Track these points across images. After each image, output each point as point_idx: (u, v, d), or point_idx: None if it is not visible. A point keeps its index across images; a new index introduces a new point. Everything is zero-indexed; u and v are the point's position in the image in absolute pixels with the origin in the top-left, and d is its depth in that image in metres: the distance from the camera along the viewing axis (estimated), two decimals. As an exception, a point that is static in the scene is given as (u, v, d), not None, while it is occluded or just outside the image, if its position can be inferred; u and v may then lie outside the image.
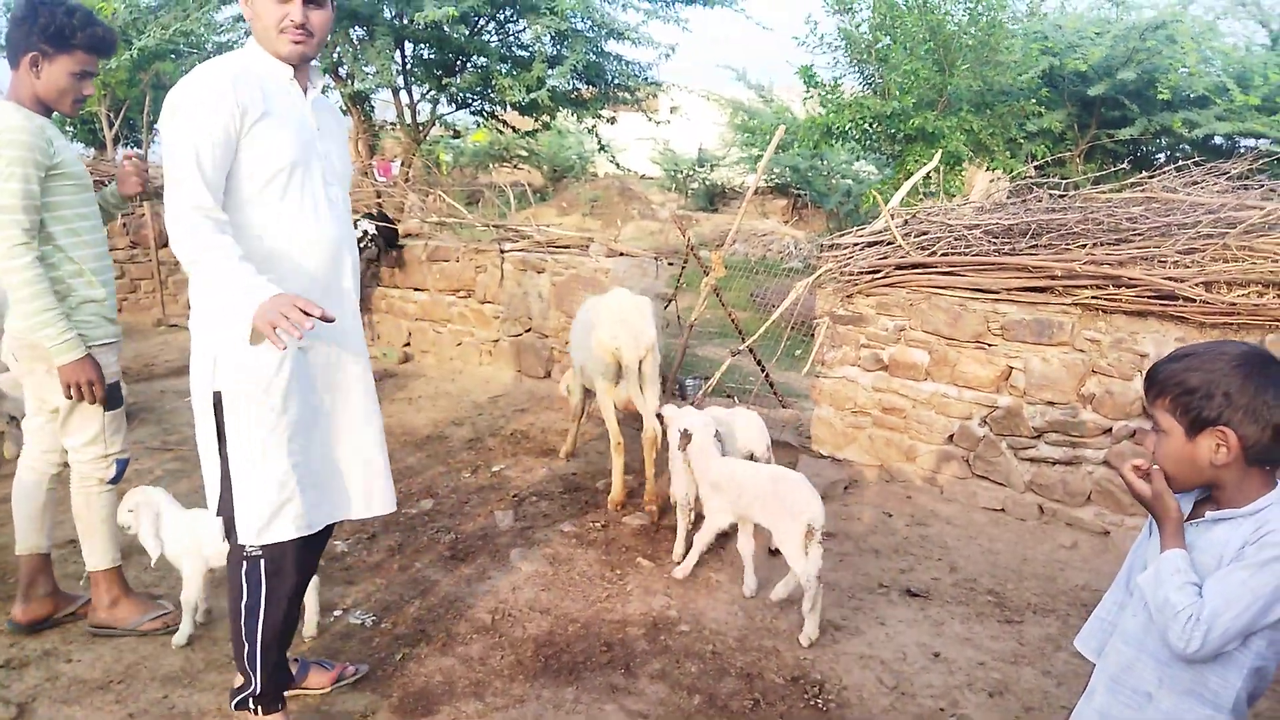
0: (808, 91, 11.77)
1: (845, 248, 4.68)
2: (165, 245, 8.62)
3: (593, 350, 4.09)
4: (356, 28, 7.83)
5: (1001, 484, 4.16)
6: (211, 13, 7.34)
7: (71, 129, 11.56)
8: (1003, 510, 4.15)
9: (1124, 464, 1.58)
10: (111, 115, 10.55)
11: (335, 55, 8.00)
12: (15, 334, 2.70)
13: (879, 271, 4.42)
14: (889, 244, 4.56)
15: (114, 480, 2.88)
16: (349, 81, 8.23)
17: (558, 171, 22.47)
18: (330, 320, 1.94)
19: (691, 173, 22.33)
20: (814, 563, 2.99)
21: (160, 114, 2.05)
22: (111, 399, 2.79)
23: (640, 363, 3.99)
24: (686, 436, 3.46)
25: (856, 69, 11.76)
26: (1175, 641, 1.43)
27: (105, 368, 2.75)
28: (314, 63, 2.30)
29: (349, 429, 2.38)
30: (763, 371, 5.72)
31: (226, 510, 2.21)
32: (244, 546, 2.22)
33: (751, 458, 3.79)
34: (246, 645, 2.28)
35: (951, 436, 4.30)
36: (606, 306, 4.11)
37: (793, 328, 5.15)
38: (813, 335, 5.30)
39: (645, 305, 4.08)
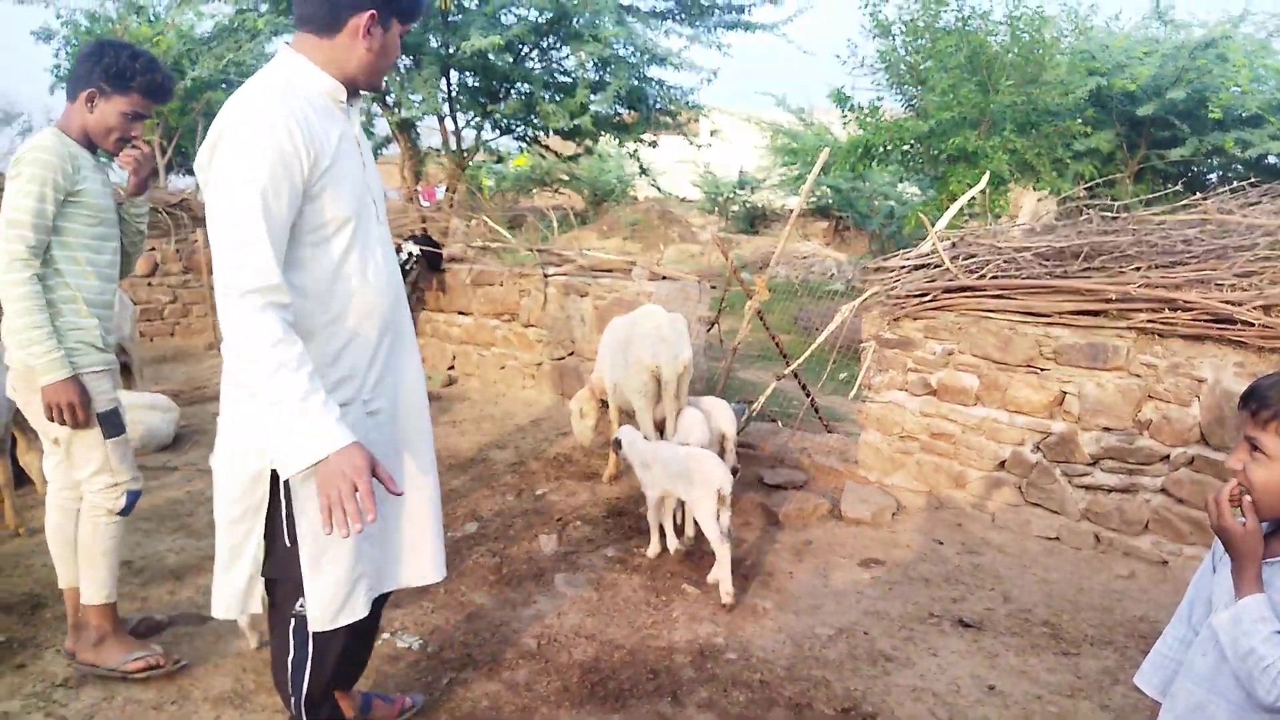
0: (844, 114, 11.77)
1: (891, 271, 4.64)
2: (217, 270, 8.85)
3: (631, 368, 4.11)
4: (403, 57, 7.98)
5: (1056, 512, 4.07)
6: (264, 43, 7.52)
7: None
8: (1057, 539, 4.05)
9: (1218, 493, 1.50)
10: (164, 143, 10.87)
11: (383, 84, 8.15)
12: (14, 364, 2.67)
13: (926, 295, 4.37)
14: (936, 267, 4.52)
15: (124, 511, 2.83)
16: (396, 110, 8.38)
17: (598, 195, 22.62)
18: (399, 494, 1.89)
19: (732, 195, 22.35)
20: (724, 523, 3.47)
21: (205, 149, 1.85)
22: (112, 425, 2.75)
23: (678, 379, 4.05)
24: (616, 444, 4.02)
25: (897, 90, 11.74)
26: (1264, 696, 1.36)
27: (100, 394, 2.73)
28: None
29: (409, 485, 2.22)
30: (807, 395, 5.67)
31: (282, 575, 2.07)
32: (294, 605, 2.10)
33: (723, 439, 4.39)
34: (293, 697, 2.18)
35: (1003, 463, 4.22)
36: (642, 324, 4.14)
37: (837, 351, 5.11)
38: (858, 359, 5.26)
39: (680, 322, 4.15)
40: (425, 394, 2.30)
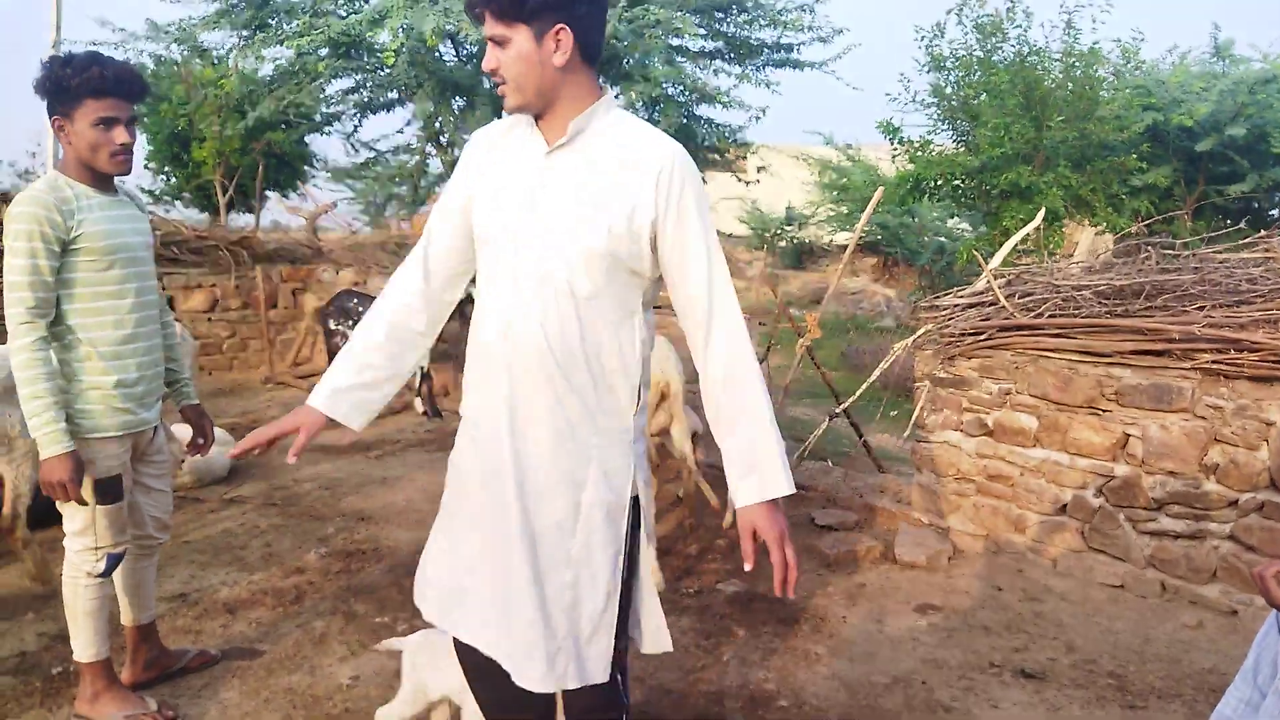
0: (894, 147, 11.73)
1: (945, 308, 4.57)
2: (274, 306, 9.05)
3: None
4: (457, 98, 8.15)
5: (1120, 558, 3.94)
6: (323, 85, 7.74)
7: (188, 195, 12.24)
8: (1122, 586, 3.92)
9: (1263, 569, 1.44)
10: (225, 182, 11.20)
11: (437, 124, 8.33)
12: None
13: (982, 333, 4.30)
14: (991, 305, 4.44)
15: (104, 574, 2.70)
16: (449, 149, 8.55)
17: (646, 231, 22.72)
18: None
19: (779, 231, 22.34)
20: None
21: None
22: (110, 493, 2.62)
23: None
24: None
25: (949, 125, 11.68)
26: None
27: (105, 458, 2.61)
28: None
29: None
30: (858, 434, 5.59)
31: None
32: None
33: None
34: None
35: (1064, 507, 4.10)
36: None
37: (890, 390, 5.04)
38: (909, 397, 5.17)
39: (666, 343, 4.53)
40: None
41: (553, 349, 1.81)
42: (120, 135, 2.52)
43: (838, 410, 5.20)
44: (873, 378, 4.86)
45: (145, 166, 12.25)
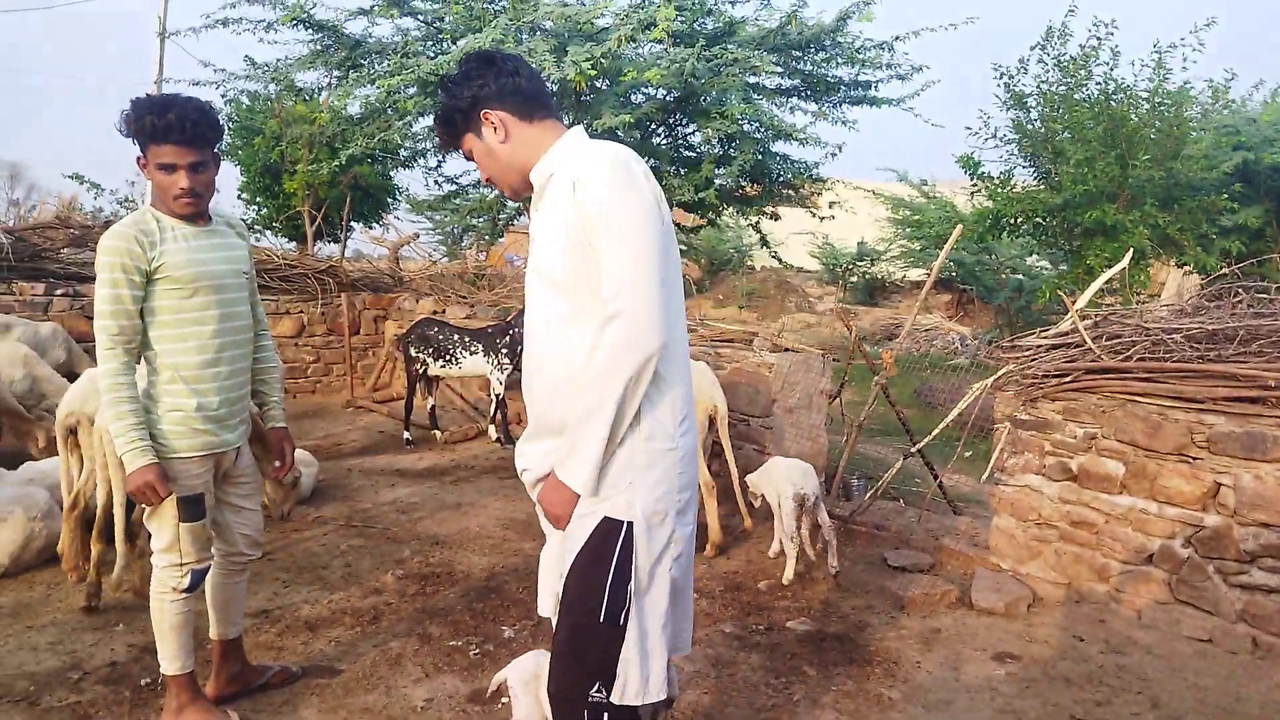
0: (973, 182, 11.59)
1: (1028, 349, 4.49)
2: (356, 332, 9.34)
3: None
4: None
5: (1209, 612, 3.79)
6: (411, 123, 8.02)
7: (278, 224, 12.70)
8: (1210, 641, 3.76)
9: None
10: (313, 213, 11.62)
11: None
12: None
13: (1067, 375, 4.21)
14: (1077, 346, 4.35)
15: (189, 590, 2.81)
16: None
17: (714, 264, 22.85)
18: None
19: (851, 266, 22.20)
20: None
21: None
22: (193, 511, 2.73)
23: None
24: None
25: (1029, 162, 11.50)
26: None
27: (187, 477, 2.72)
28: None
29: None
30: (933, 475, 5.50)
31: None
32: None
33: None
34: None
35: (1150, 556, 3.97)
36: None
37: (968, 430, 4.95)
38: (985, 437, 5.07)
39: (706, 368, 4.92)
40: None
41: (541, 374, 2.07)
42: (180, 180, 2.63)
43: (912, 449, 5.13)
44: (950, 417, 4.79)
45: (239, 197, 12.81)
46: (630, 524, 1.93)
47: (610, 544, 1.92)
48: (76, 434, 4.04)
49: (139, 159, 2.67)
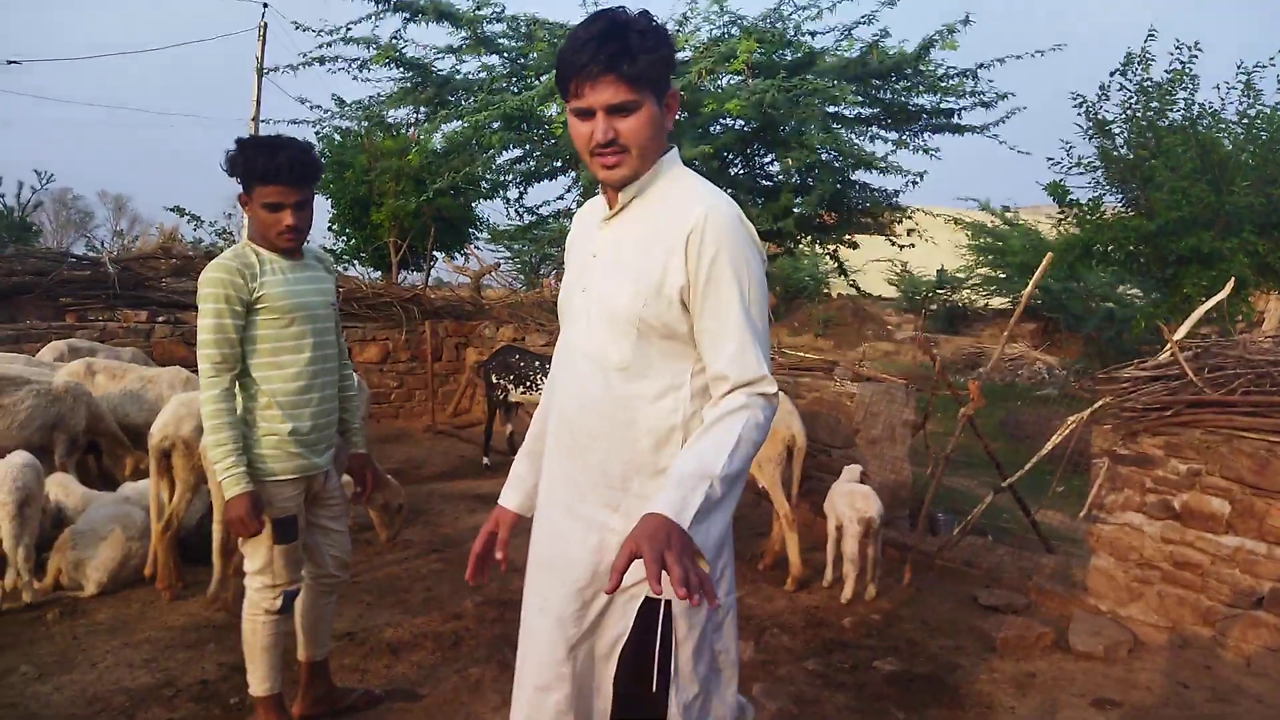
0: (1060, 210, 11.27)
1: (1125, 381, 4.32)
2: (438, 359, 9.53)
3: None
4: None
5: (1329, 662, 3.55)
6: (494, 157, 8.21)
7: (364, 254, 13.08)
8: (1331, 694, 3.52)
9: None
10: (399, 242, 11.95)
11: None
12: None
13: (1167, 409, 4.03)
14: (1176, 379, 4.17)
15: (281, 611, 2.87)
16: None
17: (790, 292, 22.66)
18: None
19: (930, 294, 21.77)
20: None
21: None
22: (286, 533, 2.78)
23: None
24: None
25: (1117, 189, 11.14)
26: None
27: (281, 500, 2.79)
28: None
29: None
30: (1024, 512, 5.31)
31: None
32: None
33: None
34: None
35: (1260, 600, 3.74)
36: None
37: (1063, 465, 4.78)
38: (1077, 471, 4.88)
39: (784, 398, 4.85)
40: None
41: (577, 421, 1.77)
42: (285, 219, 2.73)
43: (1004, 484, 4.96)
44: (1044, 451, 4.62)
45: (329, 228, 13.25)
46: (669, 600, 1.70)
47: (652, 626, 1.72)
48: (170, 457, 4.20)
49: (241, 196, 2.77)
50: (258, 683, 2.91)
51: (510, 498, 2.07)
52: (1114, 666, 3.79)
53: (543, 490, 1.92)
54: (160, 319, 8.07)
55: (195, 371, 3.03)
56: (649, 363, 1.71)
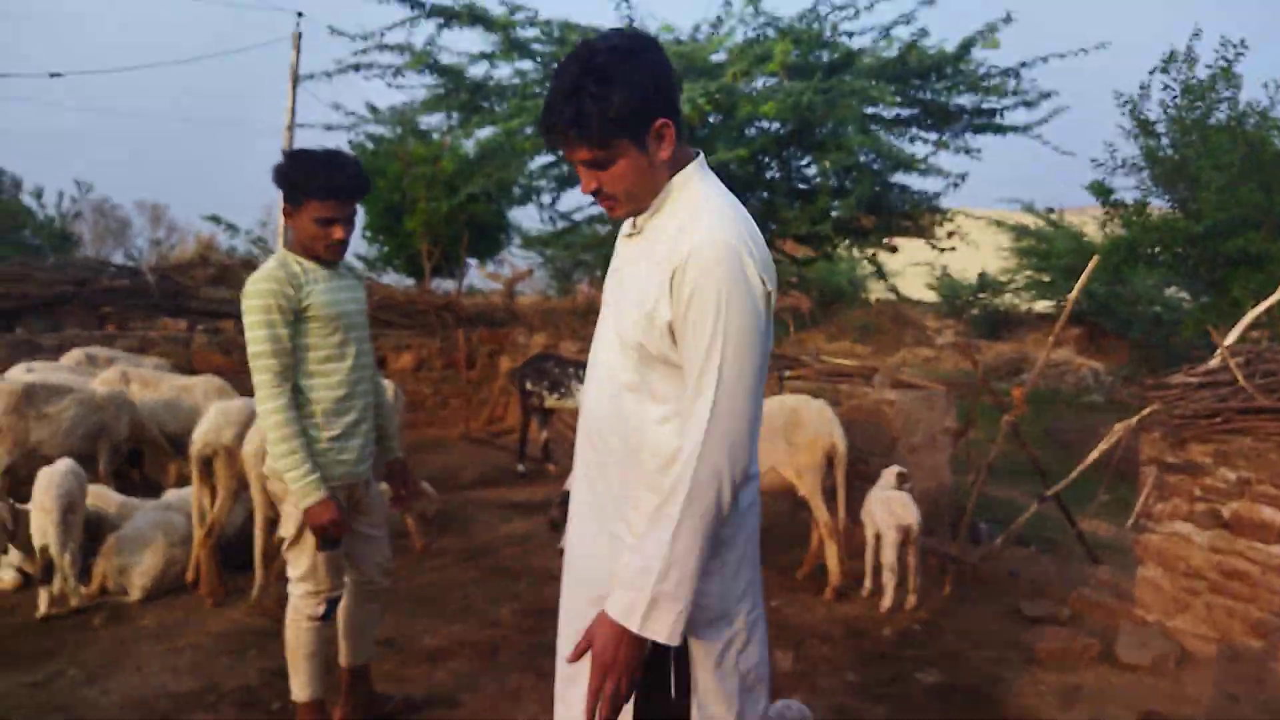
0: (1105, 211, 11.06)
1: (1174, 387, 4.21)
2: (472, 367, 9.58)
3: (801, 448, 4.65)
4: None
5: (1391, 679, 3.43)
6: (526, 161, 8.24)
7: (398, 262, 13.17)
8: (1393, 711, 3.40)
9: None
10: (432, 249, 12.03)
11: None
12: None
13: (1217, 415, 3.92)
14: (1227, 385, 4.05)
15: (324, 617, 2.89)
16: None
17: (826, 296, 22.47)
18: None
19: (971, 299, 21.47)
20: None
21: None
22: (327, 539, 2.77)
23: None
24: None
25: (1163, 190, 10.91)
26: None
27: None
28: None
29: None
30: (1069, 521, 5.20)
31: None
32: None
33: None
34: None
35: (1317, 614, 3.62)
36: (799, 410, 4.75)
37: (1110, 474, 4.67)
38: (1123, 480, 4.76)
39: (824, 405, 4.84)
40: None
41: (596, 431, 1.79)
42: (337, 232, 2.77)
43: (1048, 493, 4.86)
44: (1090, 459, 4.52)
45: (362, 235, 13.35)
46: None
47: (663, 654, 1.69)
48: (211, 464, 4.26)
49: (285, 206, 2.79)
50: (300, 689, 2.94)
51: None
52: (1161, 679, 3.69)
53: (573, 497, 1.93)
54: (199, 327, 8.19)
55: (230, 380, 3.06)
56: (652, 386, 1.71)
